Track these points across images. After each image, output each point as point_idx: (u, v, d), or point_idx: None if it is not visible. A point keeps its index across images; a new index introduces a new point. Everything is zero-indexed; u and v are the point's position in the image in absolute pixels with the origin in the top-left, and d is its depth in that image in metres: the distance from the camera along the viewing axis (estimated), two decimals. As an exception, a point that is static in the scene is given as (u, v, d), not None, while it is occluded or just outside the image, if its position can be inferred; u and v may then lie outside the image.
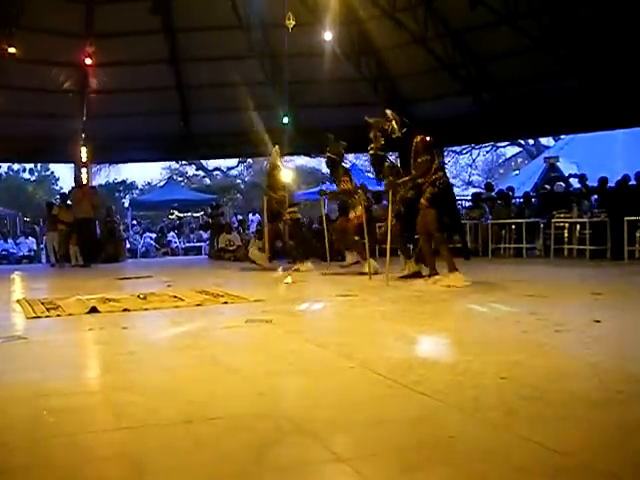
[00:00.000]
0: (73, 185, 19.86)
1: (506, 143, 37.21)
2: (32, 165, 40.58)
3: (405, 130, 10.25)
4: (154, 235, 27.17)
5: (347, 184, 12.38)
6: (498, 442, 2.87)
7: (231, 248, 18.48)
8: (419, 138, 10.05)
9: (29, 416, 3.48)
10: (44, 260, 22.08)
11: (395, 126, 10.29)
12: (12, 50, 17.81)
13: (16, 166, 40.57)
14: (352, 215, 12.22)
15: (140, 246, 25.87)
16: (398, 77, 20.43)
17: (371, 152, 10.76)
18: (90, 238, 18.05)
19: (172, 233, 27.30)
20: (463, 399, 3.50)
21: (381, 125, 10.48)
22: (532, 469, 2.52)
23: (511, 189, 18.73)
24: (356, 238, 12.19)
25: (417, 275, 10.43)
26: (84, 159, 21.32)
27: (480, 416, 3.23)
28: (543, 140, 35.85)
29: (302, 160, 34.54)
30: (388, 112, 10.56)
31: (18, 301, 8.89)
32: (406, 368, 4.16)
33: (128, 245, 24.06)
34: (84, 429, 3.28)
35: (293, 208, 13.95)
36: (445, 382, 3.78)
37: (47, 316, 7.35)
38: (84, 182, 21.02)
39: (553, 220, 15.09)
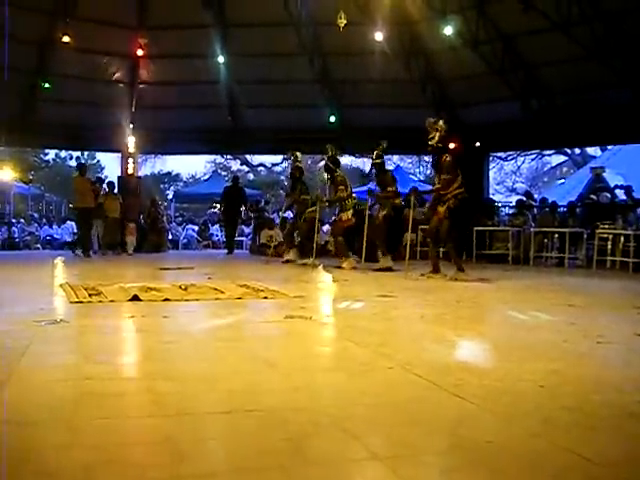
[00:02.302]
0: (76, 174, 19.55)
1: (552, 151, 36.84)
2: (79, 153, 41.01)
3: (440, 145, 11.26)
4: (196, 227, 27.28)
5: (342, 192, 13.67)
6: (535, 449, 2.86)
7: (272, 244, 18.49)
8: (449, 158, 11.20)
9: (71, 398, 3.54)
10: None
11: (436, 137, 11.23)
12: (66, 39, 18.05)
13: (63, 153, 41.03)
14: (344, 217, 13.62)
15: (182, 237, 26.02)
16: (447, 80, 20.33)
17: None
18: (90, 228, 18.02)
19: (215, 226, 27.39)
20: (501, 405, 3.50)
21: (429, 127, 11.39)
22: (568, 478, 2.52)
23: (573, 205, 18.05)
24: (339, 239, 13.65)
25: (389, 269, 12.38)
26: (131, 149, 21.53)
27: (517, 423, 3.22)
28: (590, 150, 35.46)
29: (347, 159, 34.47)
30: (440, 123, 11.43)
31: (61, 286, 9.01)
32: (445, 371, 4.16)
33: (170, 236, 24.24)
34: (124, 414, 3.35)
35: (312, 208, 14.83)
36: (483, 387, 3.78)
37: (89, 302, 7.44)
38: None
39: (597, 231, 14.90)
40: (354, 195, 14.35)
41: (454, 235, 11.35)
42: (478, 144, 19.78)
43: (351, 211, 13.54)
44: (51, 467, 2.58)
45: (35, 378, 4.02)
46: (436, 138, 11.25)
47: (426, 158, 37.69)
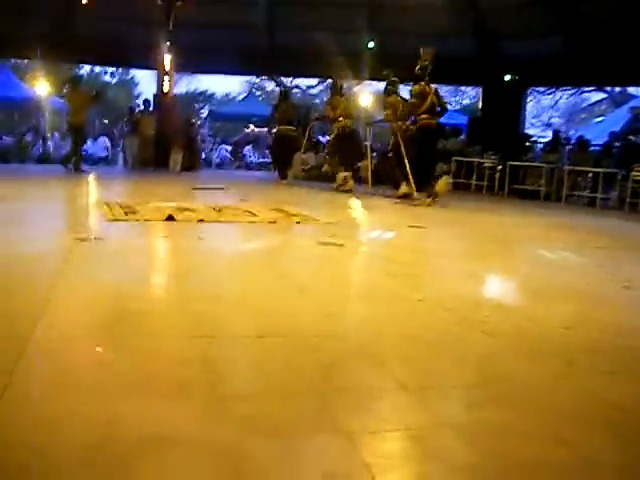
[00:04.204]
0: (67, 87, 19.17)
1: (591, 88, 36.14)
2: (113, 68, 40.84)
3: (420, 72, 12.13)
4: (229, 148, 27.20)
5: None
6: (557, 389, 2.95)
7: (305, 167, 18.30)
8: (416, 85, 12.16)
9: (109, 316, 3.64)
10: (120, 163, 22.46)
11: (421, 64, 12.16)
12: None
13: (97, 68, 40.84)
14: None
15: (215, 157, 26.02)
16: (487, 10, 19.92)
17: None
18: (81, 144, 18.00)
19: (248, 147, 27.28)
20: (526, 344, 3.58)
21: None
22: (589, 419, 2.61)
23: (609, 145, 17.63)
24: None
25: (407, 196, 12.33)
26: (167, 67, 21.38)
27: (541, 362, 3.30)
28: (631, 88, 34.77)
29: (381, 86, 34.12)
30: (425, 51, 12.33)
31: (97, 203, 9.13)
32: (473, 307, 4.25)
33: (203, 155, 24.27)
34: (161, 333, 3.44)
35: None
36: (510, 325, 3.86)
37: (125, 220, 7.57)
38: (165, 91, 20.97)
39: (632, 173, 14.72)
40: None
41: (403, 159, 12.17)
42: (508, 77, 19.54)
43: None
44: (94, 382, 2.69)
45: (74, 295, 4.11)
46: (419, 65, 12.16)
47: (462, 88, 37.68)
